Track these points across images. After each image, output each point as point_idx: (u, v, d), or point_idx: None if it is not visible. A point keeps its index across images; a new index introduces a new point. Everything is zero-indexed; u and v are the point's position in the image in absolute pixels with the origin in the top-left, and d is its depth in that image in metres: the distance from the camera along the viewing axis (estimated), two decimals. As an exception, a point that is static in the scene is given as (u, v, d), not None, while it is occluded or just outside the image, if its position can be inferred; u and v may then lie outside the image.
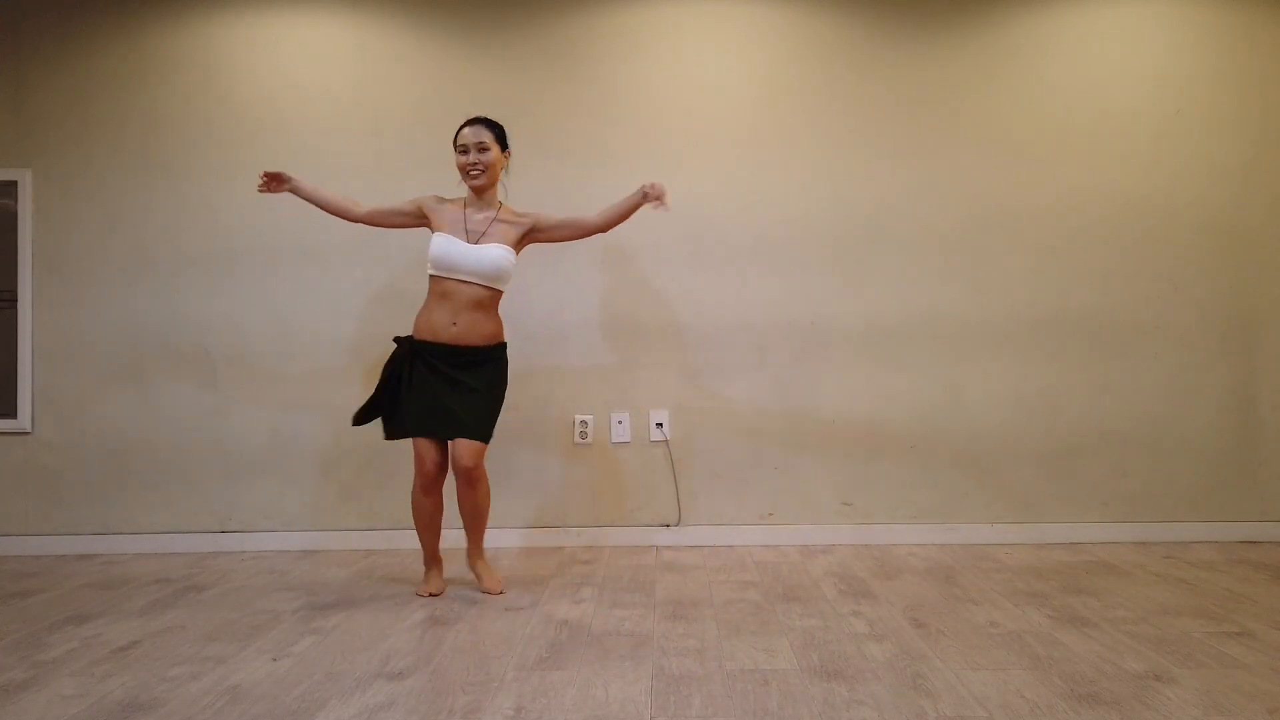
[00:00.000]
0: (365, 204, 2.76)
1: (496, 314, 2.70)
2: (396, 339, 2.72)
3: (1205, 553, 3.15)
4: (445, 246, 2.61)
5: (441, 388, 2.60)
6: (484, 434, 2.62)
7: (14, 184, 3.40)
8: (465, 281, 2.61)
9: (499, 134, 2.70)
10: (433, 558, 2.76)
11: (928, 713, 1.75)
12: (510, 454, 3.38)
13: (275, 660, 2.11)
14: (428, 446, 2.61)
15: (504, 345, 2.73)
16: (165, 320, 3.41)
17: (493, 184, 2.70)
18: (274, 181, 2.68)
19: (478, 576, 2.75)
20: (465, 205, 2.71)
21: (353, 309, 3.41)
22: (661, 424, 3.37)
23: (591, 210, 2.77)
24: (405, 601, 2.62)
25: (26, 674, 2.05)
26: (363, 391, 3.37)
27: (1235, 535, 3.33)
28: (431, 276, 2.66)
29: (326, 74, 3.42)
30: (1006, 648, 2.13)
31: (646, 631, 2.30)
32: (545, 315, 3.39)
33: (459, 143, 2.67)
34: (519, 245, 2.71)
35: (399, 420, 2.65)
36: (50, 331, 3.41)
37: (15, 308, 3.40)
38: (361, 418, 2.70)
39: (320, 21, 3.42)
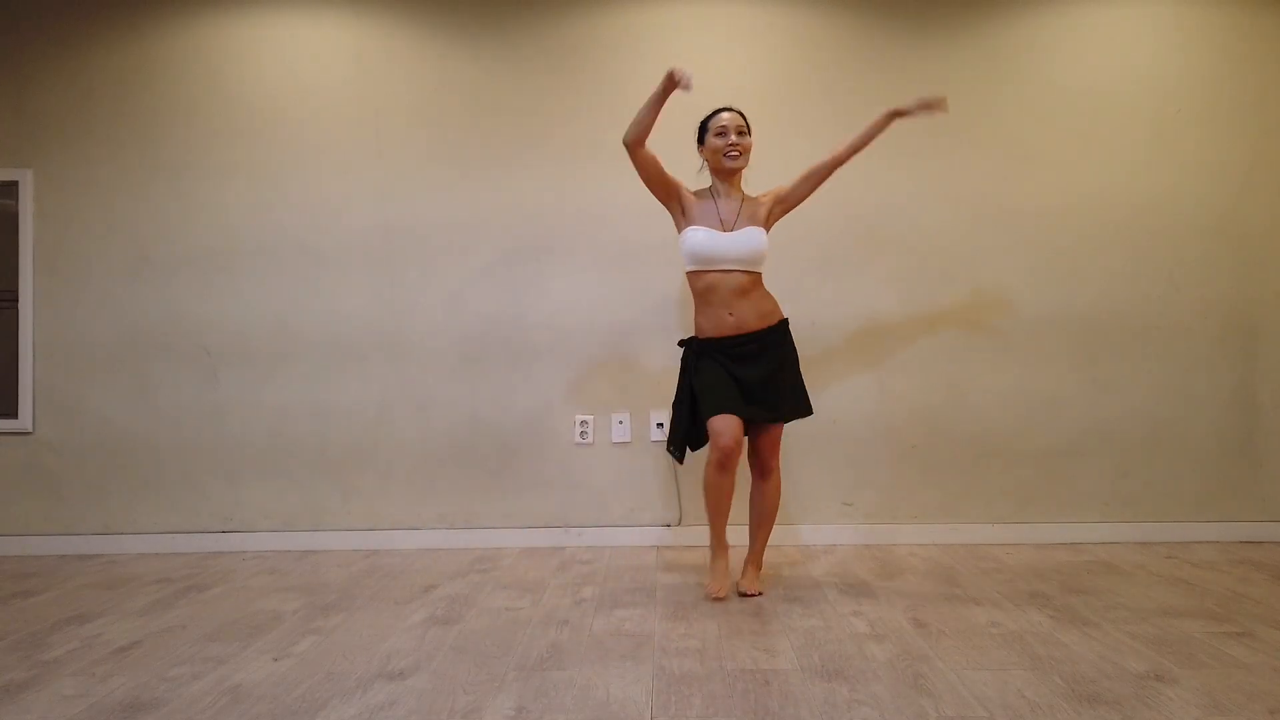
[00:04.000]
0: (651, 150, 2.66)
1: (767, 294, 2.71)
2: (682, 342, 2.78)
3: (1206, 553, 3.15)
4: (705, 239, 2.63)
5: (736, 373, 2.63)
6: (800, 410, 2.72)
7: (14, 184, 3.40)
8: (727, 271, 2.64)
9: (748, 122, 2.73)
10: (721, 544, 2.73)
11: (929, 713, 1.75)
12: (510, 454, 3.38)
13: (276, 660, 2.11)
14: (726, 421, 2.57)
15: (785, 322, 2.73)
16: (165, 320, 3.41)
17: (744, 168, 2.73)
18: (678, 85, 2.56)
19: (742, 578, 2.73)
20: (713, 196, 2.73)
21: (353, 309, 3.41)
22: (662, 424, 3.36)
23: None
24: (406, 601, 2.62)
25: (28, 674, 2.05)
26: (363, 391, 3.39)
27: (1236, 535, 3.33)
28: (692, 274, 2.68)
29: (327, 73, 3.42)
30: (1007, 648, 2.13)
31: (647, 631, 2.30)
32: (546, 315, 3.39)
33: (717, 126, 2.68)
34: (768, 223, 2.73)
35: (699, 411, 2.64)
36: (51, 331, 3.41)
37: (16, 307, 3.40)
38: (681, 443, 2.71)
39: (321, 21, 3.43)
